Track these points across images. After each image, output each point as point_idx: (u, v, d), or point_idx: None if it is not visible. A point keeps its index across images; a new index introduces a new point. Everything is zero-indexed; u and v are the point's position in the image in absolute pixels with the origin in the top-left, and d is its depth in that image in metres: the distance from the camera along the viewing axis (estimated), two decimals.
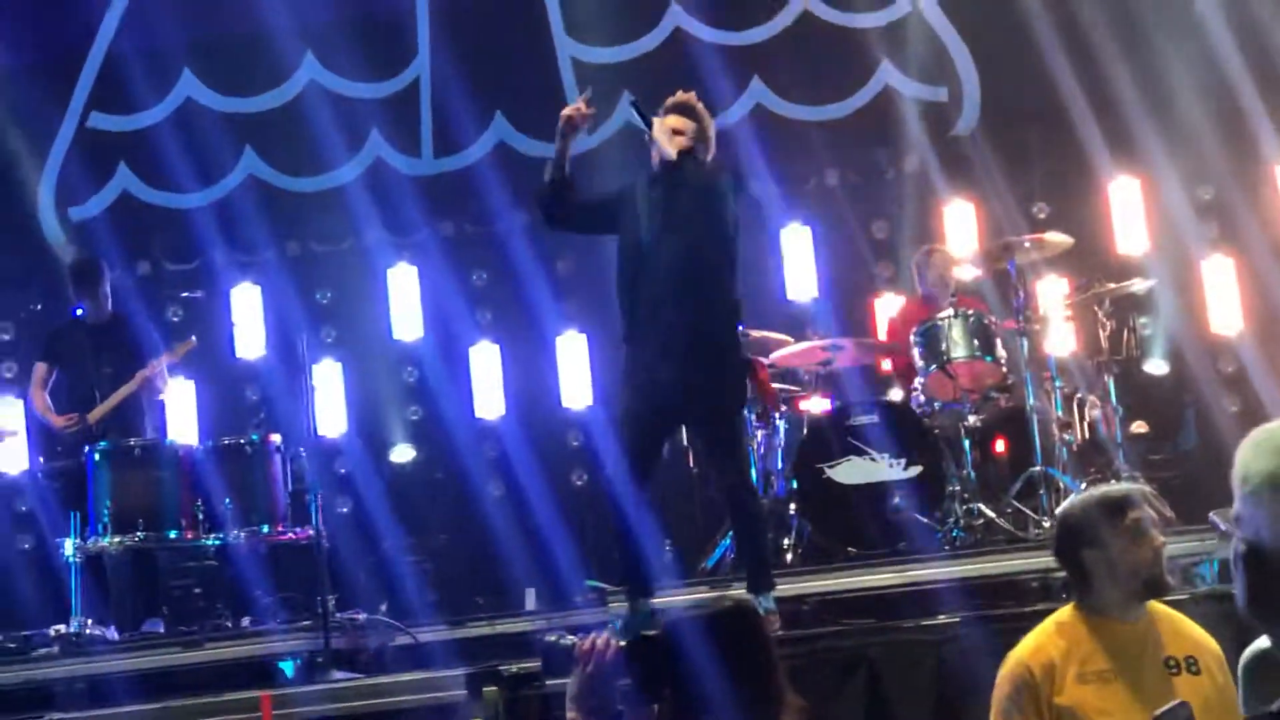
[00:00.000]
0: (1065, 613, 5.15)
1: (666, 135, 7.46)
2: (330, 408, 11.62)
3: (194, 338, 10.27)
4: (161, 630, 9.43)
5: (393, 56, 12.29)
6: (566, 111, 7.55)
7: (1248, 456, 2.58)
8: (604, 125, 11.28)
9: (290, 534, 9.39)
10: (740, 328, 7.89)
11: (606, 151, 11.19)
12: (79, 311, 10.15)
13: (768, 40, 12.01)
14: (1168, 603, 5.19)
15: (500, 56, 11.85)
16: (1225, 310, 11.32)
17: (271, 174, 12.27)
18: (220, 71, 12.25)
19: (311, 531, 8.95)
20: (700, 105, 7.72)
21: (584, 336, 11.73)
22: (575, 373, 11.75)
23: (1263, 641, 3.66)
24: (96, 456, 9.43)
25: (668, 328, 7.36)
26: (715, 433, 7.65)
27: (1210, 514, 7.21)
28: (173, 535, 9.39)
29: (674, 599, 8.35)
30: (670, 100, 7.66)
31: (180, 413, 11.28)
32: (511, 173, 11.90)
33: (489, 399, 11.81)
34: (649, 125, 7.55)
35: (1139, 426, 9.89)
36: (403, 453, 11.87)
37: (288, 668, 8.13)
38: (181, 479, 9.44)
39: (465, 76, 11.92)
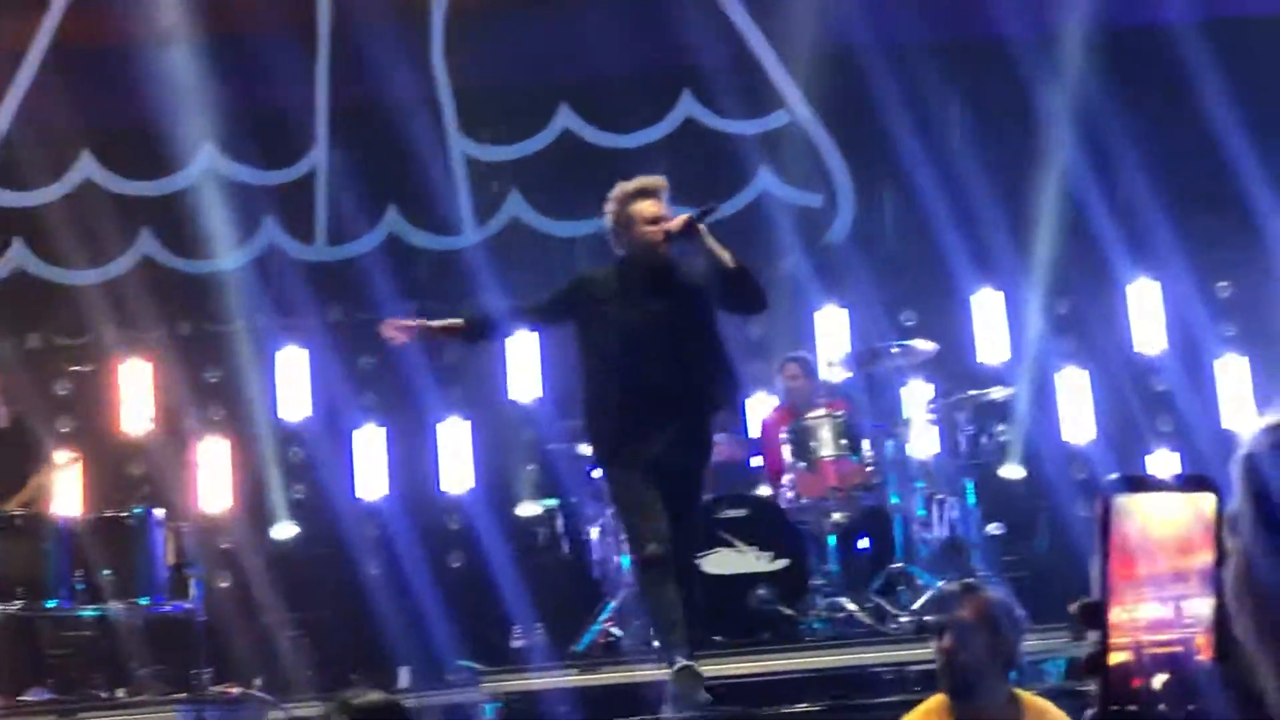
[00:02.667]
0: (933, 702, 5.21)
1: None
2: (215, 484, 11.49)
3: (78, 456, 10.17)
4: (48, 696, 9.25)
5: (290, 147, 12.23)
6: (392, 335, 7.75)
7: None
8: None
9: (169, 607, 9.23)
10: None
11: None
12: None
13: (654, 143, 12.07)
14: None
15: (396, 151, 11.75)
16: (1078, 419, 11.48)
17: (166, 255, 12.17)
18: (120, 156, 12.14)
19: (190, 605, 8.83)
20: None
21: (467, 423, 11.67)
22: (456, 457, 11.68)
23: None
24: None
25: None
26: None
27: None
28: (51, 605, 9.20)
29: (545, 683, 8.36)
30: (649, 184, 7.61)
31: (65, 486, 11.09)
32: (402, 263, 11.92)
33: (371, 480, 11.71)
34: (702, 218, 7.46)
35: (995, 528, 9.92)
36: (285, 529, 11.71)
37: None
38: (62, 550, 9.26)
39: (360, 168, 11.93)
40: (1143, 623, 1.74)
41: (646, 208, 7.44)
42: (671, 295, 7.42)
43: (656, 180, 7.64)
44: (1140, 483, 1.72)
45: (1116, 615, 1.73)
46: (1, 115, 12.07)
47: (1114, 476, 1.73)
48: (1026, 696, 5.22)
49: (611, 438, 7.51)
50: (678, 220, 7.40)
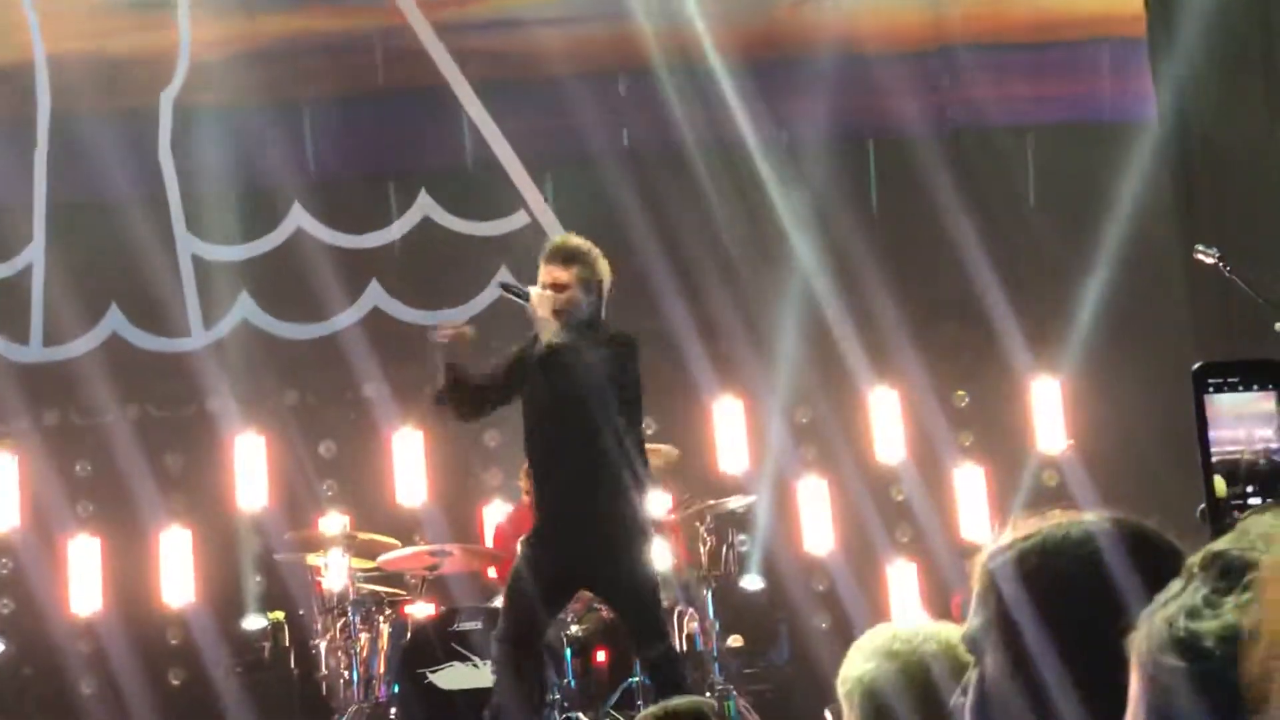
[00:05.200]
0: None
1: (546, 307, 7.16)
2: None
3: None
4: None
5: (5, 243, 11.82)
6: (448, 333, 7.42)
7: (850, 661, 2.56)
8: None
9: None
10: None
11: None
12: None
13: (387, 243, 11.99)
14: None
15: (119, 248, 11.42)
16: (818, 529, 11.42)
17: None
18: None
19: None
20: (583, 244, 7.42)
21: (188, 531, 11.21)
22: (178, 568, 11.19)
23: None
24: None
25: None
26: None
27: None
28: None
29: None
30: (549, 247, 7.43)
31: None
32: (123, 364, 11.51)
33: (86, 593, 11.13)
34: (526, 299, 7.21)
35: (735, 640, 9.84)
36: None
37: None
38: None
39: (80, 266, 11.56)
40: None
41: (547, 275, 7.41)
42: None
43: (562, 240, 7.71)
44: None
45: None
46: None
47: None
48: None
49: None
50: None
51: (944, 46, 11.96)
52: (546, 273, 7.34)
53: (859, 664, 2.52)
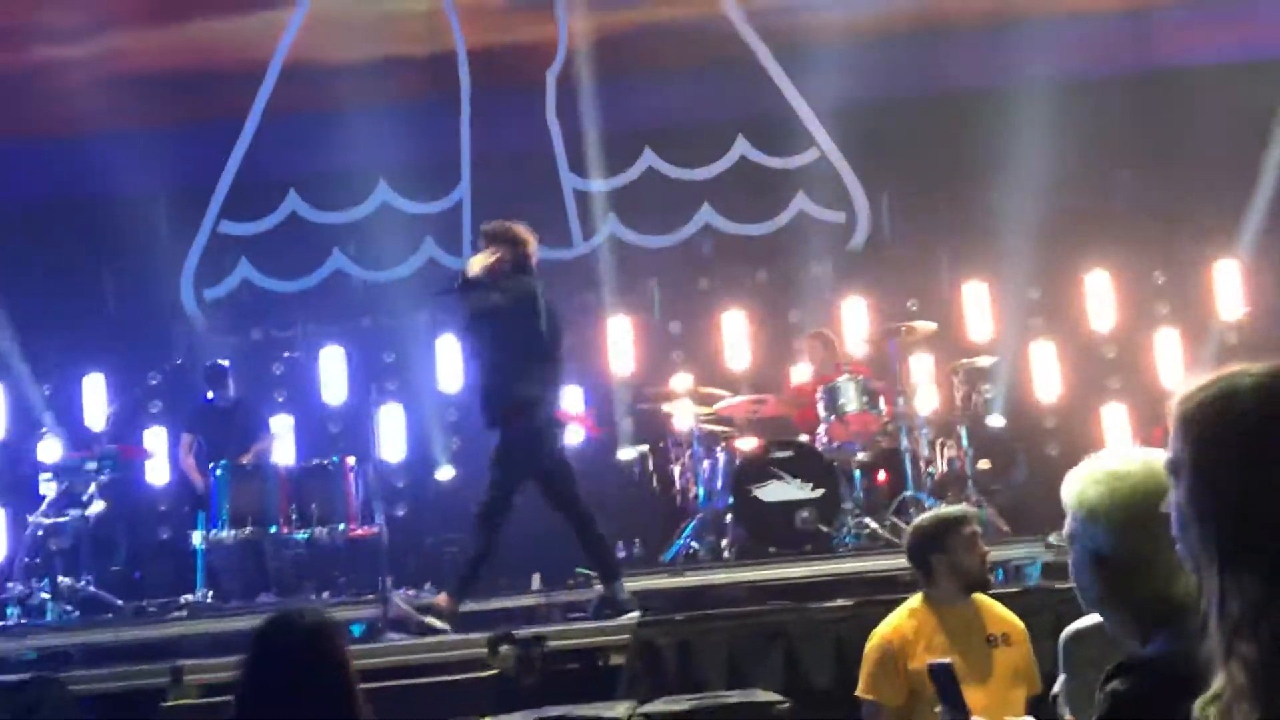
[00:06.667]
0: (915, 601, 5.10)
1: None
2: (391, 439, 11.49)
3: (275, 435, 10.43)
4: (274, 600, 9.34)
5: (444, 184, 12.14)
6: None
7: (1071, 480, 2.43)
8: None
9: (359, 531, 9.25)
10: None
11: None
12: (211, 396, 10.18)
13: (716, 175, 11.97)
14: (991, 594, 5.17)
15: (521, 188, 11.63)
16: (1047, 380, 11.32)
17: (357, 270, 12.17)
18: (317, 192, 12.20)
19: (375, 529, 8.85)
20: (497, 226, 7.48)
21: (580, 389, 11.42)
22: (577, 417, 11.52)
23: (1079, 622, 3.62)
24: (219, 472, 9.34)
25: None
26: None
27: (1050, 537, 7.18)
28: (273, 530, 9.28)
29: (642, 583, 8.32)
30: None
31: (282, 440, 11.19)
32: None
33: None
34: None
35: (983, 464, 9.84)
36: (445, 472, 11.69)
37: (356, 630, 8.02)
38: (280, 489, 9.34)
39: (493, 201, 11.69)
40: None
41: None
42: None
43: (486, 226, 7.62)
44: None
45: None
46: (230, 164, 12.14)
47: None
48: (980, 597, 5.12)
49: None
50: None
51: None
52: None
53: (1078, 483, 2.42)
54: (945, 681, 3.52)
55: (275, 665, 3.30)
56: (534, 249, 7.50)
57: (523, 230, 7.48)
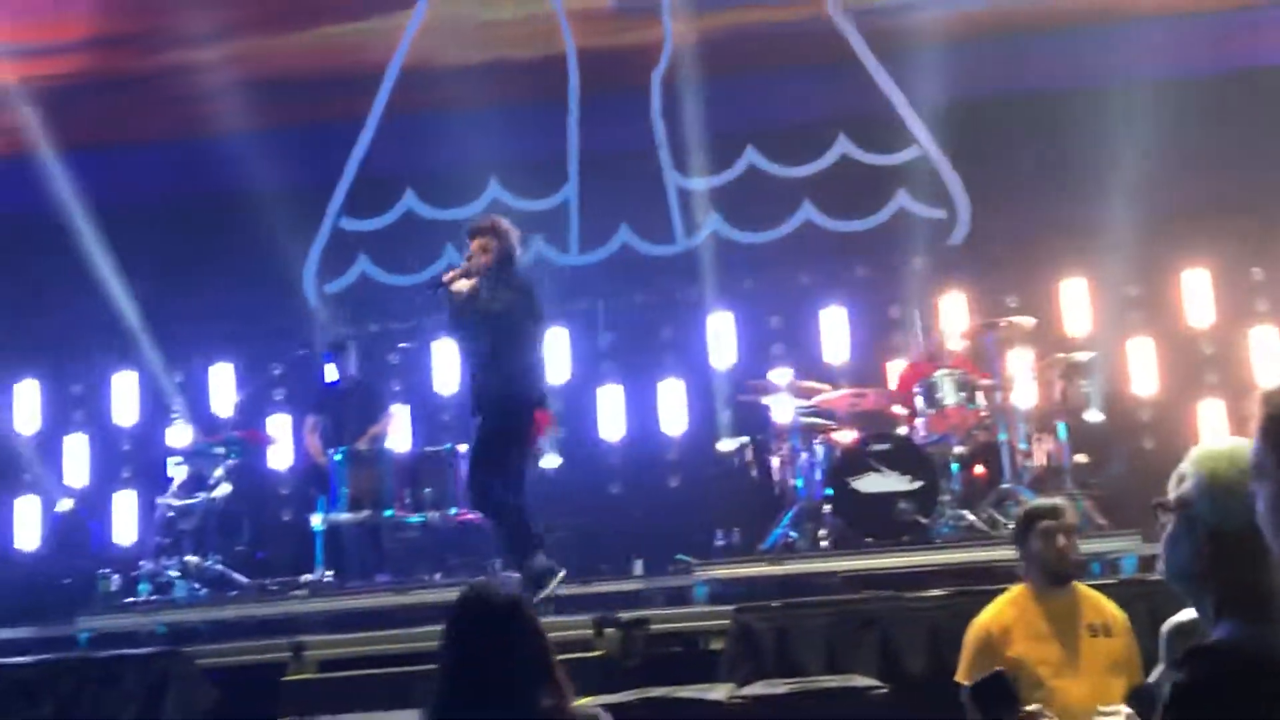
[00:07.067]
0: (1016, 590, 5.17)
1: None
2: None
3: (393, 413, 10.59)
4: (390, 580, 9.55)
5: (552, 183, 12.30)
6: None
7: (1216, 464, 2.30)
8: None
9: (470, 515, 9.40)
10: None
11: None
12: (332, 380, 10.45)
13: (817, 172, 11.99)
14: (1090, 584, 5.20)
15: (628, 185, 11.88)
16: (1144, 375, 11.22)
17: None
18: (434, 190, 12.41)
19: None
20: (488, 221, 7.75)
21: (681, 382, 11.62)
22: (674, 407, 11.55)
23: (1181, 615, 3.64)
24: (338, 457, 9.59)
25: None
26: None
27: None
28: (389, 513, 9.50)
29: (740, 572, 8.43)
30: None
31: (399, 428, 11.40)
32: (631, 264, 11.94)
33: (612, 425, 11.65)
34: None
35: (1081, 458, 9.73)
36: (550, 460, 11.86)
37: None
38: (395, 474, 9.56)
39: (599, 197, 12.01)
40: None
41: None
42: None
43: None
44: None
45: None
46: (351, 162, 12.42)
47: None
48: (1082, 587, 5.15)
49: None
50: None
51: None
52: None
53: (1210, 460, 2.33)
54: (993, 697, 3.54)
55: (479, 634, 3.30)
56: (518, 240, 7.86)
57: (508, 223, 7.83)
